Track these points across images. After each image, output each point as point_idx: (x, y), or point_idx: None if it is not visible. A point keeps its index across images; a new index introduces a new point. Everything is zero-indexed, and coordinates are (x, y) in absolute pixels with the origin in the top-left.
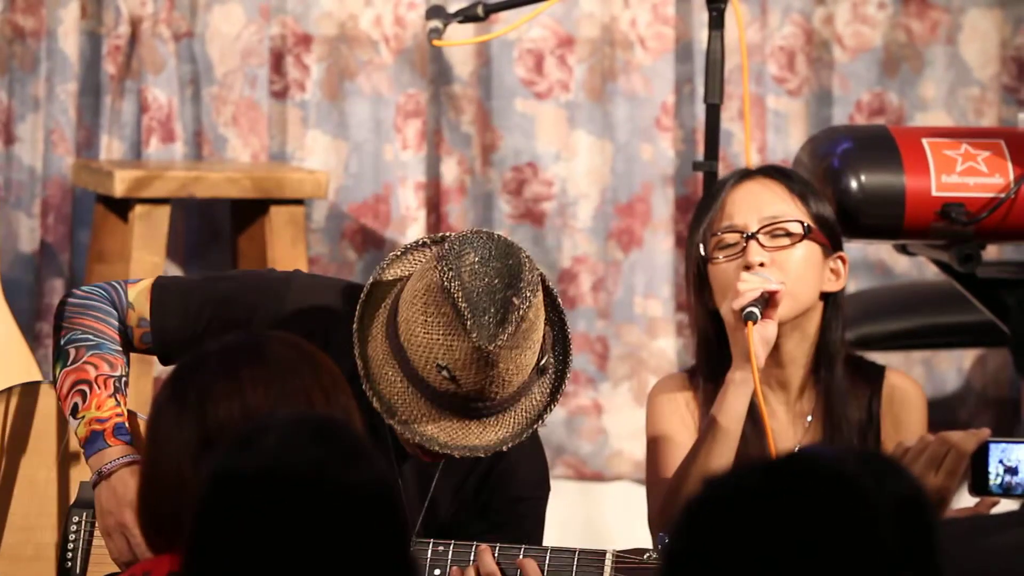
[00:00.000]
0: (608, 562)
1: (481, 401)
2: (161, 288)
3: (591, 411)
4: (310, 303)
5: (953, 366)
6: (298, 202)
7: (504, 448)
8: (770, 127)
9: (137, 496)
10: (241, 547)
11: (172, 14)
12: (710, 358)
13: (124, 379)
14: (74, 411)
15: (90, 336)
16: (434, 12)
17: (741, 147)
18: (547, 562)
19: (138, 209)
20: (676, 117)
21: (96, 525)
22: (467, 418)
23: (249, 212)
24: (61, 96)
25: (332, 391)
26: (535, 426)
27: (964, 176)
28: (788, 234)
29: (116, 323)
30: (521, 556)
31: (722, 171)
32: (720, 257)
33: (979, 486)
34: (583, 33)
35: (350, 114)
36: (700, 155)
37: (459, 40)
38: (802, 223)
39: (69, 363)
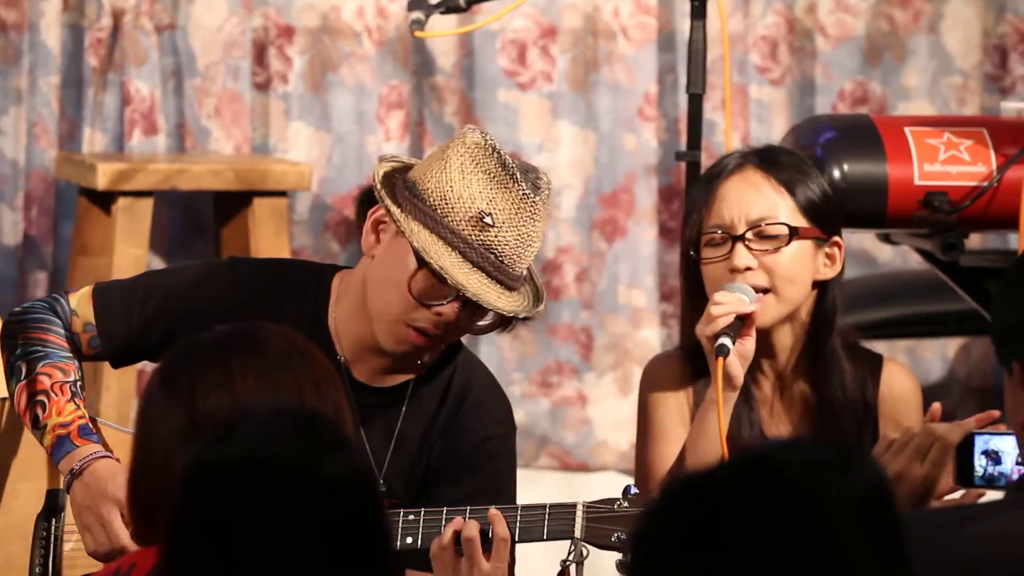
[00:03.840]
0: (579, 512)
1: (506, 262)
2: (102, 291)
3: (575, 402)
4: (256, 286)
5: (937, 354)
6: (281, 194)
7: (520, 316)
8: (753, 117)
9: (127, 483)
10: (219, 536)
11: (154, 6)
12: (703, 356)
13: (79, 383)
14: (36, 423)
15: (38, 348)
16: (416, 3)
17: (724, 137)
18: (519, 518)
19: (121, 202)
20: (659, 107)
21: (66, 527)
22: (490, 278)
23: (232, 204)
24: (44, 89)
25: (323, 384)
26: (538, 307)
27: (947, 165)
28: (774, 236)
29: (62, 331)
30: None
31: (705, 160)
32: (709, 256)
33: (964, 477)
34: (566, 23)
35: (333, 106)
36: (683, 145)
37: (441, 31)
38: (788, 225)
39: (22, 377)
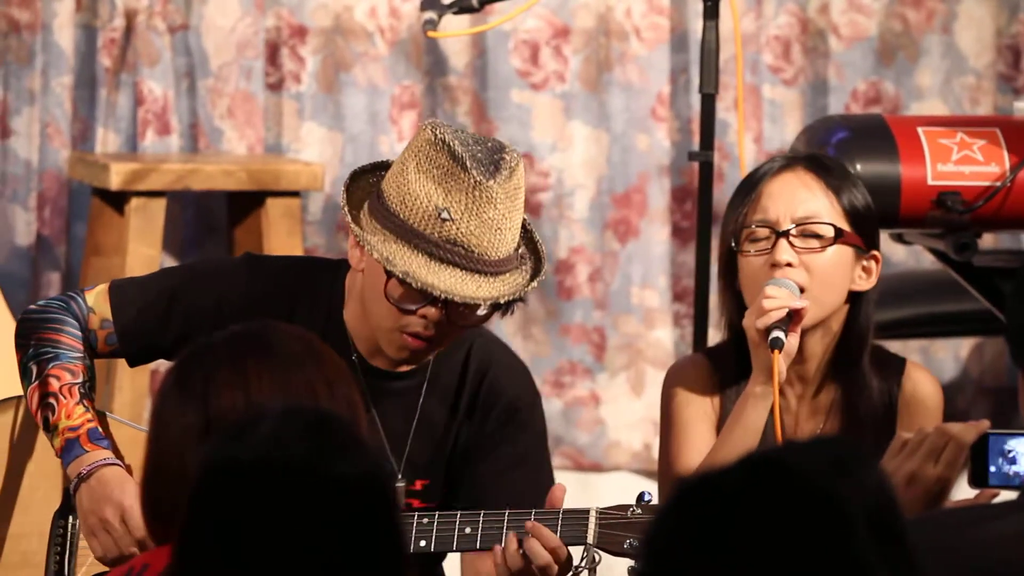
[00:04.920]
0: (592, 518)
1: (477, 251)
2: (119, 288)
3: (588, 402)
4: (271, 284)
5: (950, 355)
6: (294, 194)
7: (502, 301)
8: (766, 117)
9: (140, 483)
10: (233, 537)
11: (167, 7)
12: (740, 353)
13: (88, 384)
14: (46, 424)
15: (48, 349)
16: (429, 3)
17: (736, 137)
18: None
19: (134, 202)
20: (672, 107)
21: (80, 528)
22: (465, 270)
23: (245, 204)
24: (57, 89)
25: (336, 383)
26: (530, 286)
27: (960, 165)
28: (819, 236)
29: (76, 331)
30: (531, 519)
31: (718, 161)
32: (750, 250)
33: (978, 478)
34: (578, 23)
35: (346, 106)
36: (696, 145)
37: (454, 31)
38: (834, 226)
39: (33, 379)
